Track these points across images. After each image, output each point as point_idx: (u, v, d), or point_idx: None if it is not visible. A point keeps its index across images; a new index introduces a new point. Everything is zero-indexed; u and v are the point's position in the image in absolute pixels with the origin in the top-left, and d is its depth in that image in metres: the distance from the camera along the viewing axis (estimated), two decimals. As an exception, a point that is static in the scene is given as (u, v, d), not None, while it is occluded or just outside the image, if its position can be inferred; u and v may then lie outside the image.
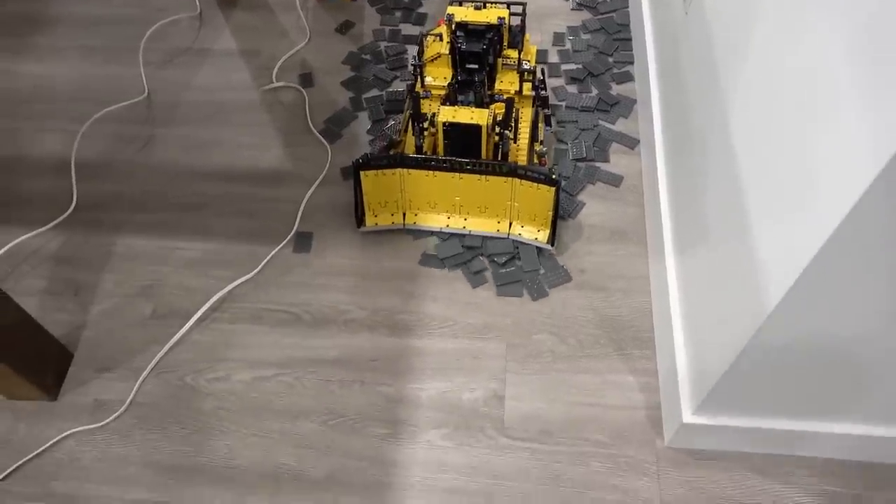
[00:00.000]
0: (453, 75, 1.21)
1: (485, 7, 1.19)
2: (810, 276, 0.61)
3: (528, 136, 1.19)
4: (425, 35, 1.27)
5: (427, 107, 1.22)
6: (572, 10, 1.52)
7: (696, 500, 0.91)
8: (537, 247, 1.13)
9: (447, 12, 1.17)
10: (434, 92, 1.23)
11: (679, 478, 0.93)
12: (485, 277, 1.12)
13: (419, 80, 1.24)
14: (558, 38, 1.46)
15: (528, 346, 1.04)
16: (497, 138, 1.10)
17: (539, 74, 1.24)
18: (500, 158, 1.12)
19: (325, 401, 1.01)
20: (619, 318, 1.07)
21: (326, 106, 1.37)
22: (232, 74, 1.42)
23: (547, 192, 1.07)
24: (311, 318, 1.09)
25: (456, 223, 1.15)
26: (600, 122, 1.32)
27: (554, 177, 1.04)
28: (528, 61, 1.22)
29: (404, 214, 1.16)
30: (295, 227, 1.19)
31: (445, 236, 1.16)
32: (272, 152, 1.30)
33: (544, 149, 1.19)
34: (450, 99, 1.18)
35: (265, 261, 1.15)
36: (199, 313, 1.08)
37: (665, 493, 0.92)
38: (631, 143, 1.29)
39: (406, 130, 1.21)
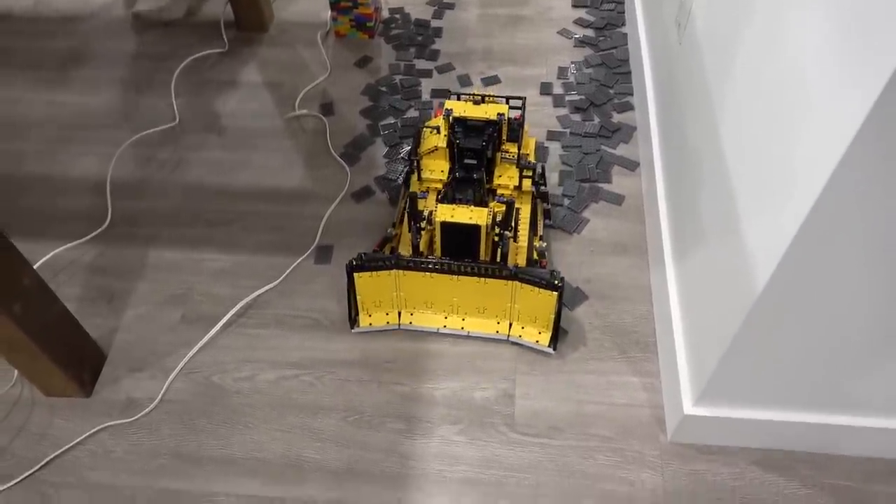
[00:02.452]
0: (451, 169, 1.18)
1: (483, 102, 1.17)
2: (791, 257, 0.68)
3: (527, 232, 1.17)
4: (421, 127, 1.23)
5: (423, 203, 1.19)
6: (575, 47, 1.63)
7: (699, 490, 0.95)
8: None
9: (445, 106, 1.16)
10: (431, 186, 1.21)
11: (682, 470, 0.97)
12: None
13: (416, 172, 1.20)
14: (562, 72, 1.56)
15: (536, 350, 1.10)
16: (496, 238, 1.08)
17: (539, 169, 1.22)
18: (499, 258, 1.08)
19: (344, 399, 1.06)
20: (622, 324, 1.14)
21: (346, 132, 1.46)
22: (257, 104, 1.53)
23: (549, 297, 1.04)
24: (330, 323, 1.15)
25: (454, 324, 1.11)
26: (602, 147, 1.41)
27: (556, 282, 1.02)
28: (528, 155, 1.21)
29: (399, 314, 1.12)
30: (316, 241, 1.26)
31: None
32: (295, 173, 1.38)
33: (544, 245, 1.15)
34: (447, 196, 1.13)
35: (288, 271, 1.22)
36: (227, 318, 1.14)
37: (669, 484, 0.96)
38: (631, 165, 1.37)
39: (401, 223, 1.20)
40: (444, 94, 1.53)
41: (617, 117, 1.46)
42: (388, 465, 0.99)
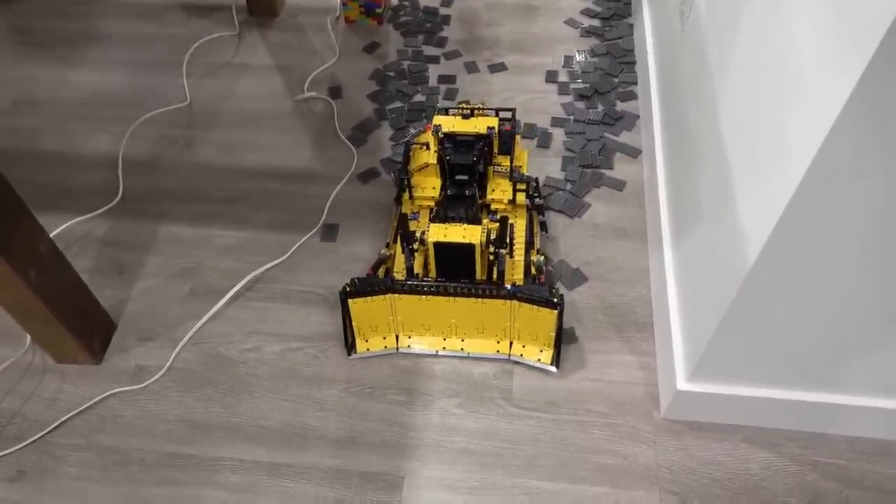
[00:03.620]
0: (443, 186, 1.16)
1: (473, 116, 1.15)
2: (781, 230, 0.70)
3: (523, 247, 1.15)
4: (411, 144, 1.21)
5: (416, 224, 1.17)
6: (581, 36, 1.65)
7: (690, 465, 0.98)
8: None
9: (434, 122, 1.13)
10: (423, 203, 1.20)
11: (675, 445, 1.00)
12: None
13: (407, 191, 1.19)
14: (568, 61, 1.58)
15: (535, 328, 1.13)
16: (492, 256, 1.06)
17: (533, 182, 1.20)
18: (495, 276, 1.07)
19: (346, 371, 1.09)
20: (620, 305, 1.16)
21: (353, 115, 1.49)
22: (267, 86, 1.55)
23: (549, 315, 1.02)
24: (335, 298, 1.18)
25: (453, 345, 1.10)
26: (605, 134, 1.43)
27: (555, 300, 1.00)
28: (521, 167, 1.18)
29: (397, 338, 1.10)
30: (322, 219, 1.29)
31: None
32: (303, 154, 1.41)
33: (542, 258, 1.12)
34: (439, 215, 1.11)
35: (295, 247, 1.25)
36: (234, 290, 1.17)
37: (661, 459, 0.99)
38: (634, 153, 1.39)
39: (395, 242, 1.17)
40: (451, 79, 1.55)
41: (620, 106, 1.48)
42: (389, 434, 1.02)
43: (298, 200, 1.33)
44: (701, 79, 1.03)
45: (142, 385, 1.08)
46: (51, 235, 1.25)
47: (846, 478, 0.97)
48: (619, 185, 1.34)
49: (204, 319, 1.15)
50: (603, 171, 1.36)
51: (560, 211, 1.29)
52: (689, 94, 1.11)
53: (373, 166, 1.38)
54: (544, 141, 1.42)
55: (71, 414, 1.05)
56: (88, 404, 1.06)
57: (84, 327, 1.08)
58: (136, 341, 1.14)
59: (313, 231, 1.28)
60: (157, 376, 1.09)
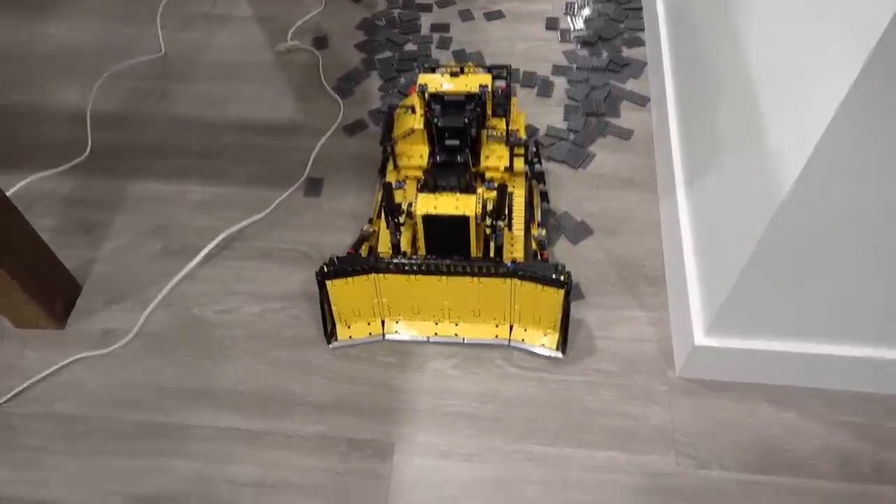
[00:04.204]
0: (431, 153, 1.03)
1: (462, 73, 1.02)
2: (822, 152, 0.61)
3: (523, 221, 1.04)
4: (394, 108, 1.09)
5: (403, 194, 1.02)
6: (583, -19, 1.54)
7: (708, 426, 0.89)
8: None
9: (419, 82, 1.00)
10: (410, 174, 1.07)
11: (691, 406, 0.91)
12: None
13: (391, 160, 1.06)
14: (569, 7, 1.48)
15: (537, 284, 1.04)
16: (488, 230, 0.94)
17: (532, 146, 1.10)
18: (493, 253, 0.96)
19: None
20: (629, 258, 1.07)
21: (339, 66, 1.38)
22: (248, 37, 1.45)
23: (554, 295, 0.91)
24: (319, 256, 1.09)
25: (445, 331, 0.98)
26: (611, 81, 1.33)
27: (562, 278, 0.89)
28: (518, 131, 1.06)
29: (383, 323, 0.99)
30: (306, 173, 1.19)
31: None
32: (286, 106, 1.31)
33: (544, 233, 1.01)
34: (428, 185, 0.99)
35: (276, 203, 1.15)
36: (209, 248, 1.08)
37: (677, 420, 0.90)
38: (641, 100, 1.29)
39: (379, 218, 1.06)
40: (445, 28, 1.45)
41: (626, 52, 1.38)
42: (378, 398, 0.93)
43: (280, 154, 1.23)
44: (722, 6, 0.94)
45: (108, 350, 0.99)
46: (9, 193, 1.17)
47: (879, 439, 0.88)
48: (625, 134, 1.24)
49: (176, 279, 1.06)
50: (608, 119, 1.26)
51: (563, 161, 1.20)
52: (706, 25, 1.01)
53: (360, 118, 1.28)
54: (545, 90, 1.32)
55: (30, 382, 0.96)
56: (49, 371, 0.97)
57: (45, 290, 0.99)
58: (102, 304, 1.05)
59: (296, 186, 1.18)
60: (125, 340, 1.00)
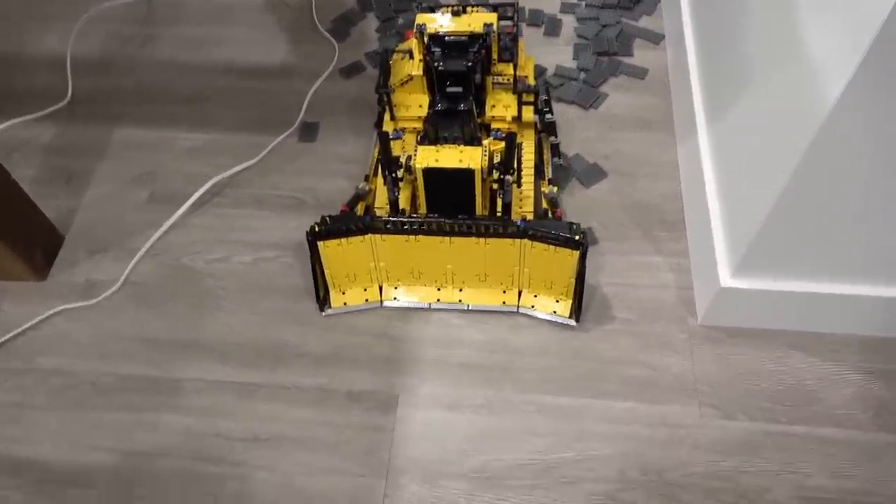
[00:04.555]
0: (431, 102, 0.95)
1: (465, 12, 0.94)
2: (873, 59, 0.54)
3: (532, 176, 0.96)
4: (389, 51, 1.01)
5: (402, 145, 0.95)
6: (592, -84, 1.45)
7: (732, 375, 0.84)
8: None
9: (416, 22, 0.92)
10: (408, 126, 0.99)
11: (712, 354, 0.85)
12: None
13: (388, 110, 0.98)
14: (577, -57, 1.39)
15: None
16: (495, 185, 0.86)
17: (542, 93, 1.02)
18: (500, 211, 0.88)
19: (330, 281, 0.94)
20: (646, 201, 1.00)
21: (334, 7, 1.30)
22: (237, -22, 1.37)
23: (568, 257, 0.82)
24: (315, 202, 1.02)
25: (449, 297, 0.90)
26: (623, 19, 1.25)
27: (577, 237, 0.81)
28: (526, 77, 0.98)
29: (381, 289, 0.91)
30: (301, 117, 1.12)
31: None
32: (278, 49, 1.24)
33: (555, 190, 0.93)
34: (429, 136, 0.90)
35: (269, 148, 1.08)
36: (198, 194, 1.01)
37: (698, 369, 0.84)
38: (656, 38, 1.21)
39: (375, 175, 0.98)
40: (445, -34, 1.36)
41: (639, -11, 1.30)
42: (379, 349, 0.88)
43: (273, 98, 1.16)
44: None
45: (93, 301, 0.93)
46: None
47: (916, 387, 0.82)
48: (640, 73, 1.16)
49: (164, 228, 0.99)
50: (621, 58, 1.19)
51: (573, 102, 1.12)
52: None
53: (357, 60, 1.21)
54: (552, 28, 1.24)
55: (9, 335, 0.90)
56: (29, 324, 0.91)
57: (23, 240, 0.93)
58: (86, 254, 0.98)
59: (290, 130, 1.11)
60: (110, 291, 0.94)
